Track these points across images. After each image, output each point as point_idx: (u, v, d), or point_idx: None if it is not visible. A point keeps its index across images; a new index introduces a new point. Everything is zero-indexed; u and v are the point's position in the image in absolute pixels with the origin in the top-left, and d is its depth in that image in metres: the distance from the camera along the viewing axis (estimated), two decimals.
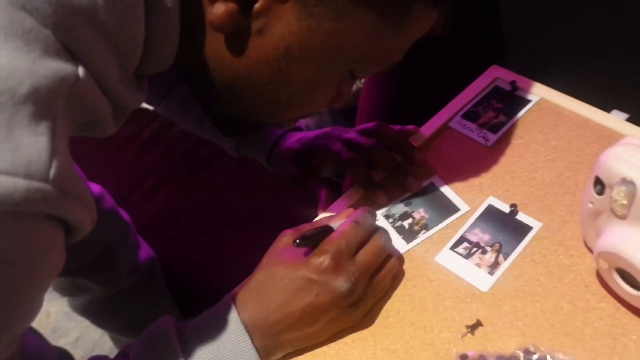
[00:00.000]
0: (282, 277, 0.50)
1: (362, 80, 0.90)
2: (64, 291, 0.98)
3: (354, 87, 1.04)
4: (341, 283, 0.49)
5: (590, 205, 0.49)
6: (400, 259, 0.57)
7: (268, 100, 0.49)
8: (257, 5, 0.43)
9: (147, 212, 1.13)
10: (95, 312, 1.01)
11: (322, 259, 0.50)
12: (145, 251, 1.00)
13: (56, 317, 1.41)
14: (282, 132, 0.75)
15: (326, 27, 0.44)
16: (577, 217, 0.57)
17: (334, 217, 0.57)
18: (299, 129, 0.77)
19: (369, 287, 0.52)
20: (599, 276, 0.52)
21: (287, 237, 0.54)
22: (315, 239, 0.52)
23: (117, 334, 1.14)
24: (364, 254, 0.52)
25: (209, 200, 1.13)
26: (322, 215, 0.63)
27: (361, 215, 0.54)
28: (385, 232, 0.55)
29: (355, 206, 0.63)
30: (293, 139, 0.73)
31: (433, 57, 0.80)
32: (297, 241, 0.50)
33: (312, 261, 0.50)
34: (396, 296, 0.55)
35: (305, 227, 0.55)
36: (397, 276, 0.56)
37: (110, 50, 0.40)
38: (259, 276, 0.52)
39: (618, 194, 0.44)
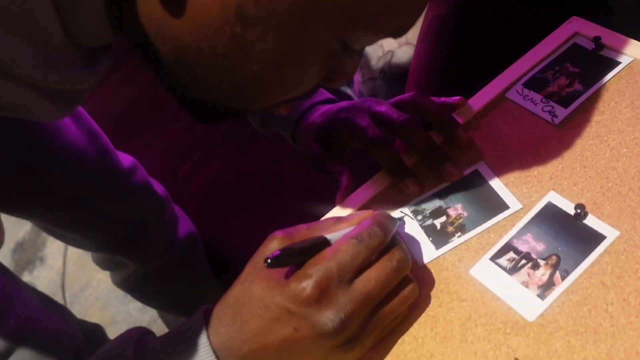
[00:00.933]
0: (257, 300, 0.40)
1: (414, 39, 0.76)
2: (103, 265, 0.96)
3: (406, 47, 0.90)
4: (327, 318, 0.38)
5: None
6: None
7: (231, 80, 0.38)
8: None
9: (195, 184, 1.09)
10: (135, 288, 0.98)
11: (303, 285, 0.39)
12: (185, 227, 0.95)
13: None
14: (310, 103, 0.64)
15: None
16: None
17: (339, 222, 0.45)
18: (346, 96, 0.65)
19: (371, 321, 0.40)
20: None
21: (274, 243, 0.42)
22: (297, 257, 0.40)
23: (160, 310, 1.11)
24: (365, 280, 0.40)
25: (257, 173, 1.06)
26: (334, 212, 0.52)
27: (368, 229, 0.41)
28: (402, 249, 0.42)
29: (379, 198, 0.51)
30: (319, 112, 0.62)
31: (499, 12, 0.65)
32: (269, 261, 0.38)
33: (291, 287, 0.39)
34: (415, 316, 0.44)
35: (301, 230, 0.44)
36: (420, 289, 0.44)
37: None
38: (236, 291, 0.42)
39: None
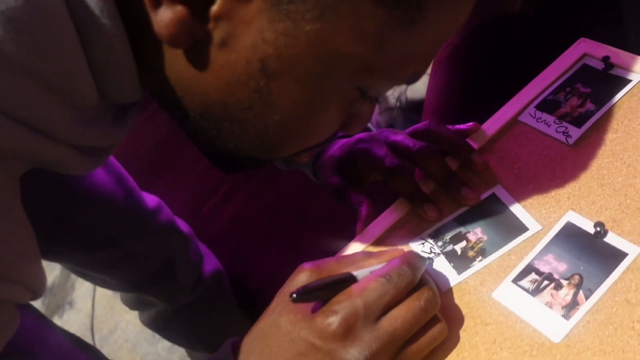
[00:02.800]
0: (284, 333, 0.41)
1: (429, 69, 0.78)
2: (132, 305, 0.97)
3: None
4: (352, 356, 0.39)
5: None
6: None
7: (254, 131, 0.39)
8: (214, 8, 0.33)
9: (219, 221, 1.11)
10: (163, 327, 0.98)
11: (329, 321, 0.39)
12: (210, 264, 0.96)
13: None
14: None
15: (308, 31, 0.33)
16: None
17: (368, 258, 0.45)
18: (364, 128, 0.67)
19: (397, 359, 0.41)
20: None
21: (302, 276, 0.43)
22: (322, 292, 0.40)
23: (188, 349, 1.12)
24: (392, 319, 0.40)
25: (281, 208, 1.07)
26: (353, 247, 0.52)
27: (397, 268, 0.41)
28: (432, 288, 0.42)
29: (398, 225, 0.52)
30: (337, 145, 0.63)
31: (509, 37, 0.66)
32: (294, 295, 0.39)
33: (317, 322, 0.40)
34: (439, 343, 0.43)
35: (329, 263, 0.44)
36: (443, 315, 0.44)
37: (33, 87, 0.33)
38: (264, 323, 0.43)
39: None
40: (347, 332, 0.39)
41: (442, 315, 0.43)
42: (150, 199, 0.85)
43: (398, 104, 0.91)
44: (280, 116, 0.38)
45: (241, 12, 0.33)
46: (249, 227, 1.07)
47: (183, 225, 0.91)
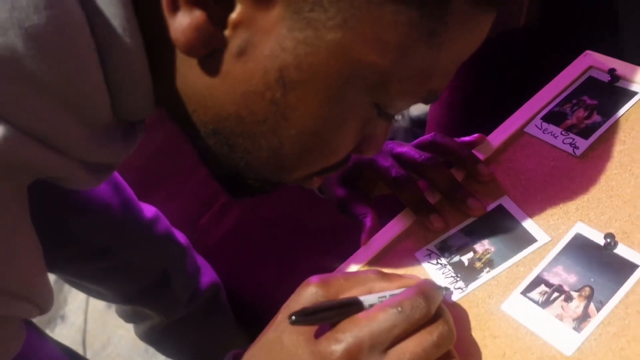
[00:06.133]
0: (287, 354, 0.39)
1: None
2: (127, 318, 0.95)
3: None
4: None
5: None
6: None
7: (268, 147, 0.38)
8: (233, 15, 0.33)
9: (216, 234, 1.09)
10: (158, 340, 0.97)
11: (332, 349, 0.37)
12: (207, 276, 0.95)
13: None
14: None
15: (329, 40, 0.33)
16: None
17: (380, 280, 0.42)
18: None
19: None
20: None
21: (309, 290, 0.41)
22: (324, 317, 0.38)
23: None
24: (399, 354, 0.38)
25: (279, 221, 1.06)
26: (357, 258, 0.51)
27: (411, 299, 0.38)
28: (447, 322, 0.39)
29: (404, 236, 0.51)
30: None
31: (514, 50, 0.66)
32: (294, 318, 0.37)
33: (320, 348, 0.38)
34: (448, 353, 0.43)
35: (338, 279, 0.42)
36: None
37: (51, 103, 0.33)
38: (267, 339, 0.41)
39: None
40: None
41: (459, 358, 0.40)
42: (148, 209, 0.84)
43: (400, 117, 0.91)
44: (295, 130, 0.37)
45: (261, 19, 0.33)
46: (247, 240, 1.06)
47: (180, 237, 0.90)
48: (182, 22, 0.33)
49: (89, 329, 1.61)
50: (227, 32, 0.34)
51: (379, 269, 0.47)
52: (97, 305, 1.58)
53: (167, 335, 0.94)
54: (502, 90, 0.66)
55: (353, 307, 0.39)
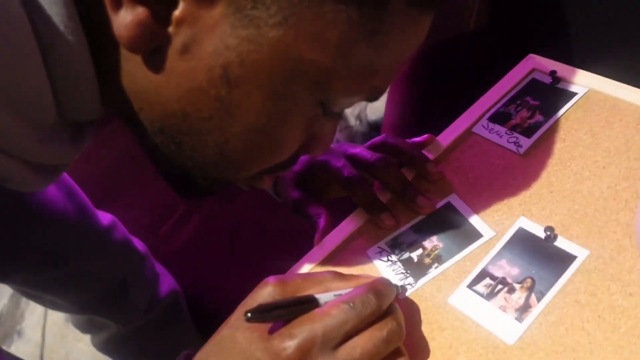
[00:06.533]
0: (240, 351, 0.39)
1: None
2: (83, 328, 0.93)
3: None
4: None
5: None
6: None
7: (214, 144, 0.38)
8: (176, 12, 0.33)
9: (177, 242, 1.08)
10: (116, 350, 0.95)
11: (285, 345, 0.37)
12: (167, 284, 0.94)
13: None
14: None
15: (271, 37, 0.33)
16: None
17: (336, 279, 0.43)
18: None
19: None
20: None
21: (267, 290, 0.41)
22: (279, 314, 0.39)
23: None
24: (350, 349, 0.38)
25: (240, 228, 1.06)
26: (310, 258, 0.52)
27: (362, 295, 0.39)
28: (397, 319, 0.40)
29: (357, 235, 0.52)
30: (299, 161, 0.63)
31: (463, 53, 0.68)
32: (249, 315, 0.37)
33: (273, 344, 0.38)
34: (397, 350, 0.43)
35: (295, 280, 0.42)
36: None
37: None
38: (221, 337, 0.41)
39: None
40: (303, 358, 0.37)
41: (407, 355, 0.41)
42: (105, 217, 0.83)
43: (358, 122, 0.93)
44: (241, 127, 0.37)
45: (204, 17, 0.33)
46: (208, 247, 1.05)
47: (138, 244, 0.89)
48: (125, 19, 0.33)
49: (47, 344, 1.57)
50: (170, 29, 0.34)
51: (334, 269, 0.48)
52: (56, 320, 1.54)
53: (125, 345, 0.93)
54: (454, 93, 0.68)
55: (308, 304, 0.40)
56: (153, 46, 0.34)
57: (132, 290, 0.86)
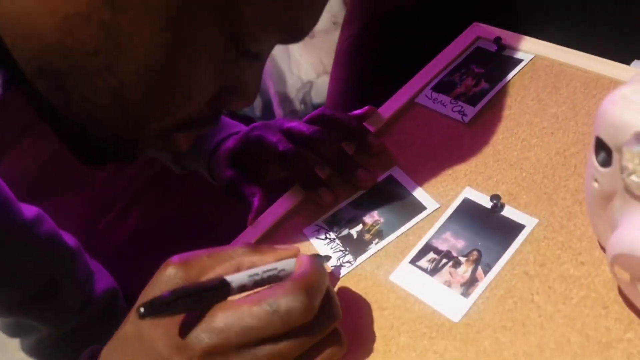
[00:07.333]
0: (146, 349, 0.33)
1: None
2: (10, 331, 0.86)
3: (325, 77, 0.90)
4: None
5: (595, 185, 0.33)
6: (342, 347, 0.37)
7: (107, 89, 0.32)
8: None
9: (116, 238, 1.02)
10: (49, 354, 0.88)
11: (197, 344, 0.32)
12: (103, 282, 0.87)
13: None
14: (225, 134, 0.60)
15: None
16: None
17: (251, 252, 0.37)
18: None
19: None
20: (623, 292, 0.35)
21: (169, 272, 0.35)
22: (181, 306, 0.32)
23: None
24: (269, 354, 0.33)
25: (181, 222, 1.01)
26: (246, 234, 0.48)
27: (290, 297, 0.33)
28: (337, 341, 0.36)
29: (293, 213, 0.48)
30: (231, 138, 0.58)
31: (407, 24, 0.65)
32: (142, 310, 0.30)
33: (183, 342, 0.33)
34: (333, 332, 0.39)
35: (201, 257, 0.36)
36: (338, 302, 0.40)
37: None
38: (126, 330, 0.35)
39: (631, 160, 0.28)
40: (215, 359, 0.32)
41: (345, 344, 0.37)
42: (29, 210, 0.76)
43: (302, 106, 0.89)
44: (135, 65, 0.32)
45: None
46: (147, 243, 0.99)
47: (69, 239, 0.82)
48: None
49: None
50: None
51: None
52: None
53: (58, 348, 0.86)
54: (397, 66, 0.65)
55: (218, 290, 0.33)
56: None
57: (62, 288, 0.79)
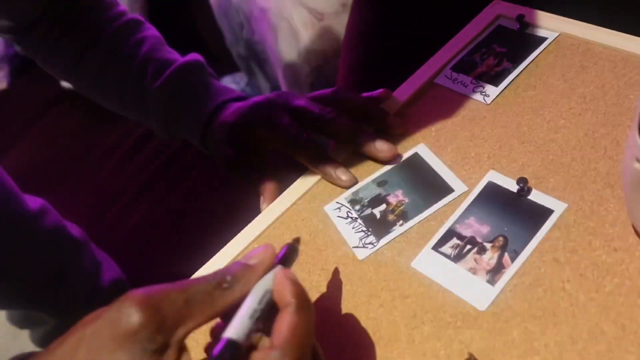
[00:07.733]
0: None
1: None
2: (19, 323, 0.85)
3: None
4: None
5: (638, 166, 0.31)
6: None
7: None
8: None
9: (124, 228, 1.01)
10: None
11: None
12: (110, 272, 0.86)
13: None
14: (219, 101, 0.56)
15: None
16: (620, 190, 0.38)
17: (227, 290, 0.30)
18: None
19: None
20: None
21: (133, 320, 0.29)
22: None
23: None
24: None
25: (188, 212, 0.99)
26: (257, 225, 0.46)
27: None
28: None
29: (311, 196, 0.46)
30: (230, 110, 0.54)
31: (419, 5, 0.63)
32: None
33: None
34: (354, 322, 0.38)
35: (170, 295, 0.29)
36: (357, 290, 0.39)
37: None
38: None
39: None
40: None
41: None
42: (34, 201, 0.74)
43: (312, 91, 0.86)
44: None
45: None
46: (155, 233, 0.98)
47: (75, 230, 0.80)
48: None
49: None
50: None
51: (283, 234, 0.42)
52: (4, 320, 1.44)
53: None
54: (414, 48, 0.62)
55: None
56: None
57: (69, 279, 0.77)
